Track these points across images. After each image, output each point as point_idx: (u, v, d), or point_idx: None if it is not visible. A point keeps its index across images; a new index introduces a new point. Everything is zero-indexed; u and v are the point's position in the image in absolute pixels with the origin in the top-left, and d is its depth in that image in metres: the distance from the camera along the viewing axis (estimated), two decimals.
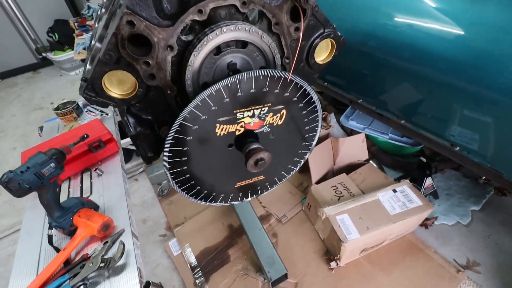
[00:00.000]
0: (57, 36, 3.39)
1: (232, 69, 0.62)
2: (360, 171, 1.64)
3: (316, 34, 0.70)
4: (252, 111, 0.64)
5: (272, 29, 0.63)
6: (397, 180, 1.71)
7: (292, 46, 0.67)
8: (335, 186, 1.54)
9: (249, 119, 0.64)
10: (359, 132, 1.84)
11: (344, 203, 1.40)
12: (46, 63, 4.08)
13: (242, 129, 0.65)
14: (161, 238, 1.68)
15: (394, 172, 1.85)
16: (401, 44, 1.24)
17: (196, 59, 0.57)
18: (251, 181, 0.81)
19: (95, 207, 1.02)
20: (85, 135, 1.04)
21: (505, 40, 0.96)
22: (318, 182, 1.60)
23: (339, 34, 0.72)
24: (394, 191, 1.44)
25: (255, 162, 0.62)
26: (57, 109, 1.44)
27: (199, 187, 0.71)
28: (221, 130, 0.63)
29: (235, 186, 0.78)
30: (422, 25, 1.16)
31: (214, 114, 0.60)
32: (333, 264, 1.38)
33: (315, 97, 0.68)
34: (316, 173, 1.65)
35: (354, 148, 1.73)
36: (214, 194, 0.76)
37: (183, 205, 1.83)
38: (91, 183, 1.15)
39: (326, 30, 0.70)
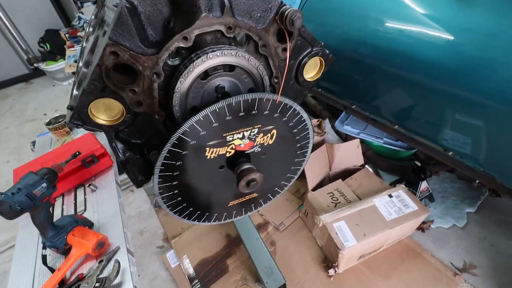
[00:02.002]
0: (48, 46, 3.37)
1: (221, 92, 0.62)
2: (356, 176, 1.65)
3: (304, 53, 0.70)
4: (242, 133, 0.64)
5: (260, 51, 0.63)
6: (393, 184, 1.72)
7: (280, 65, 0.67)
8: (331, 192, 1.55)
9: (239, 141, 0.64)
10: (354, 137, 1.85)
11: (340, 210, 1.40)
12: (38, 73, 4.05)
13: (233, 151, 0.65)
14: (158, 249, 1.66)
15: (389, 175, 1.87)
16: (391, 50, 1.25)
17: (183, 85, 0.57)
18: (244, 199, 0.81)
19: (90, 225, 1.01)
20: (77, 153, 1.03)
21: (494, 45, 0.98)
22: (314, 189, 1.60)
23: (327, 51, 0.73)
24: (390, 196, 1.45)
25: (247, 183, 0.62)
26: (49, 123, 1.42)
27: (191, 209, 0.71)
28: (211, 153, 0.63)
29: (228, 205, 0.78)
30: (412, 32, 1.18)
31: (203, 139, 0.60)
32: (331, 271, 1.38)
33: (304, 115, 0.69)
34: (312, 179, 1.65)
35: (350, 154, 1.74)
36: (207, 214, 0.76)
37: None
38: (85, 199, 1.14)
39: (314, 49, 0.70)
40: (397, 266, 1.41)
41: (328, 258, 1.45)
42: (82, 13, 2.82)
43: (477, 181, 1.68)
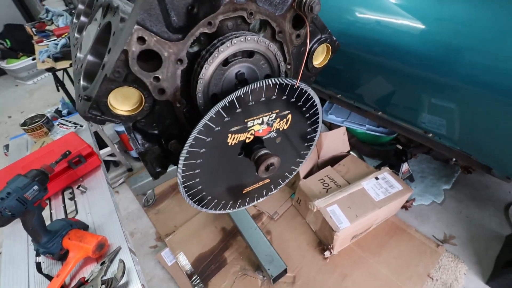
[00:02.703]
0: (9, 43, 3.08)
1: (240, 79, 0.62)
2: (344, 162, 1.71)
3: (314, 40, 0.72)
4: (261, 118, 0.64)
5: (276, 37, 0.64)
6: (377, 168, 1.81)
7: (293, 52, 0.69)
8: (322, 179, 1.60)
9: (258, 127, 0.65)
10: (339, 125, 1.92)
11: (332, 194, 1.46)
12: None
13: (252, 137, 0.66)
14: (152, 249, 1.62)
15: (373, 160, 1.96)
16: (371, 40, 1.30)
17: (207, 71, 0.56)
18: (257, 186, 0.81)
19: (85, 227, 0.96)
20: (67, 152, 0.98)
21: (465, 32, 1.05)
22: (305, 177, 1.64)
23: (334, 38, 0.75)
24: (377, 178, 1.53)
25: (266, 167, 0.63)
26: (24, 124, 1.32)
27: (209, 197, 0.71)
28: (233, 139, 0.63)
29: (243, 192, 0.79)
30: (390, 22, 1.23)
31: (227, 125, 0.60)
32: (327, 253, 1.44)
33: (317, 100, 0.71)
34: (303, 168, 1.70)
35: (336, 141, 1.80)
36: (224, 202, 0.76)
37: (172, 213, 1.79)
38: (75, 201, 1.08)
39: (323, 36, 0.72)
40: (385, 243, 1.50)
41: (322, 242, 1.51)
42: (47, 5, 2.61)
43: (453, 159, 1.83)
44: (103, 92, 0.49)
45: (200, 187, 0.66)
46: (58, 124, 1.45)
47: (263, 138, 0.68)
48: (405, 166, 1.70)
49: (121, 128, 2.07)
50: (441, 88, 1.16)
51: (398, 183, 1.50)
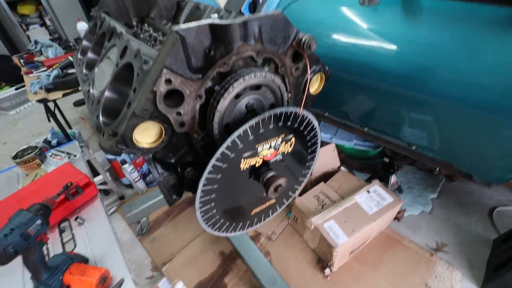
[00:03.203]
0: None
1: (250, 109, 0.68)
2: (336, 178, 1.77)
3: (310, 71, 0.80)
4: (269, 143, 0.69)
5: (279, 71, 0.72)
6: (368, 181, 1.88)
7: (292, 82, 0.76)
8: (316, 195, 1.64)
9: (267, 151, 0.70)
10: (327, 142, 2.00)
11: (328, 210, 1.50)
12: None
13: (261, 161, 0.71)
14: (148, 281, 1.57)
15: (362, 174, 2.04)
16: (350, 61, 1.41)
17: (223, 105, 0.62)
18: (264, 206, 0.85)
19: (85, 260, 0.94)
20: (68, 184, 0.97)
21: (434, 53, 1.17)
22: (300, 195, 1.68)
23: (327, 68, 0.84)
24: (368, 191, 1.59)
25: (275, 188, 0.67)
26: (16, 157, 1.30)
27: (222, 220, 0.74)
28: (245, 164, 0.68)
29: (252, 214, 0.82)
30: (366, 45, 1.35)
31: (240, 151, 0.66)
32: (327, 271, 1.45)
33: (316, 123, 0.78)
34: None
35: (327, 158, 1.87)
36: (234, 224, 0.78)
37: (167, 240, 1.75)
38: (72, 234, 1.06)
39: (317, 67, 0.81)
40: (382, 255, 1.53)
41: (322, 259, 1.52)
42: (34, 36, 2.63)
43: (437, 169, 1.93)
44: (130, 128, 0.53)
45: (215, 211, 0.69)
46: (51, 155, 1.44)
47: (270, 161, 0.73)
48: (393, 178, 1.78)
49: (112, 156, 2.06)
50: (418, 103, 1.26)
51: (388, 195, 1.56)
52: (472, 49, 1.03)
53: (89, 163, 1.81)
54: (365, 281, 1.43)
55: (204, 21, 0.53)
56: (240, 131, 0.61)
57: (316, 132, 0.80)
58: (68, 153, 1.45)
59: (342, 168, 1.94)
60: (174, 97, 0.56)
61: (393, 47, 1.27)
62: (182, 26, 0.51)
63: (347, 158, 2.08)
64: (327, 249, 1.40)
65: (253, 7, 0.87)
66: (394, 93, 1.32)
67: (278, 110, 0.66)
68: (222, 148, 0.60)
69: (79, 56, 0.99)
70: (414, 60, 1.22)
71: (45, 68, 2.06)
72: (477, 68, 1.02)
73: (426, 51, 1.18)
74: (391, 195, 1.56)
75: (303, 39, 0.66)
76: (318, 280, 1.44)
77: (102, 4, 1.13)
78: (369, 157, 2.08)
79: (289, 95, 0.77)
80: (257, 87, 0.69)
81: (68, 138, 1.97)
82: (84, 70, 0.91)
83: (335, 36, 1.45)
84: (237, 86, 0.62)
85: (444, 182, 1.91)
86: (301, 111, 0.69)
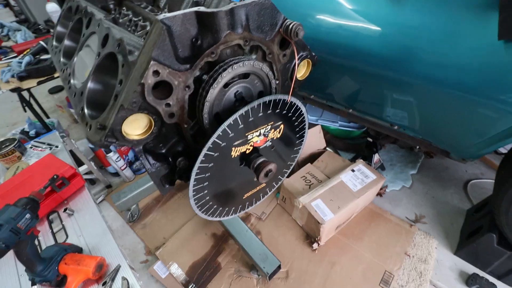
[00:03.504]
0: None
1: (239, 98, 0.68)
2: (322, 158, 1.83)
3: (297, 57, 0.80)
4: (259, 131, 0.70)
5: (266, 58, 0.71)
6: (352, 160, 1.95)
7: (280, 69, 0.76)
8: (304, 176, 1.69)
9: (256, 138, 0.71)
10: (313, 124, 2.04)
11: (315, 190, 1.56)
12: None
13: (251, 148, 0.72)
14: (143, 265, 1.60)
15: (348, 154, 2.11)
16: (335, 43, 1.42)
17: (212, 94, 0.62)
18: (256, 190, 0.88)
19: (78, 250, 0.95)
20: (55, 176, 0.95)
21: (416, 35, 1.19)
22: (288, 176, 1.72)
23: (314, 54, 0.84)
24: (353, 170, 1.66)
25: (265, 173, 0.69)
26: None
27: (215, 206, 0.76)
28: (236, 152, 0.69)
29: (243, 198, 0.84)
30: (350, 27, 1.35)
31: (231, 140, 0.66)
32: (315, 245, 1.53)
33: (303, 109, 0.79)
34: None
35: (313, 139, 1.91)
36: (227, 209, 0.80)
37: (159, 226, 1.78)
38: (63, 225, 1.06)
39: (304, 53, 0.80)
40: (366, 228, 1.63)
41: (310, 235, 1.60)
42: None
43: (417, 147, 2.02)
44: (119, 120, 0.52)
45: (208, 197, 0.71)
46: (31, 147, 1.39)
47: (260, 147, 0.75)
48: (376, 157, 1.86)
49: None
50: (399, 84, 1.30)
51: (372, 173, 1.64)
52: (452, 31, 1.06)
53: (71, 153, 1.77)
54: (350, 252, 1.52)
55: (190, 9, 0.51)
56: (230, 120, 0.62)
57: (304, 117, 0.81)
58: (49, 144, 1.41)
59: (328, 148, 1.99)
60: (162, 88, 0.55)
61: (377, 29, 1.28)
62: (168, 14, 0.49)
63: (333, 139, 2.14)
64: (315, 225, 1.47)
65: None
66: (377, 74, 1.35)
67: (267, 98, 0.66)
68: (213, 138, 0.61)
69: (54, 43, 0.93)
70: (397, 42, 1.23)
71: (15, 54, 1.93)
72: (456, 50, 1.06)
73: (409, 33, 1.20)
74: (374, 173, 1.64)
75: (291, 26, 0.65)
76: (307, 254, 1.53)
77: None
78: (353, 137, 2.14)
79: (277, 82, 0.77)
80: (245, 76, 0.69)
81: (47, 128, 1.90)
82: (62, 59, 0.86)
83: (320, 17, 1.44)
84: (226, 76, 0.61)
85: (423, 158, 2.01)
86: (289, 98, 0.70)
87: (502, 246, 1.30)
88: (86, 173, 1.94)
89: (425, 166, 1.98)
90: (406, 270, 1.44)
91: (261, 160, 0.70)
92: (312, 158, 1.87)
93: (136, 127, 0.57)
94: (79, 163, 1.85)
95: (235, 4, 0.56)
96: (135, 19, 0.98)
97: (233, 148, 0.68)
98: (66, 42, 0.88)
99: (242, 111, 0.63)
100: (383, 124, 1.52)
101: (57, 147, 1.41)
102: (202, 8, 0.51)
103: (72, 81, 0.74)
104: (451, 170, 1.94)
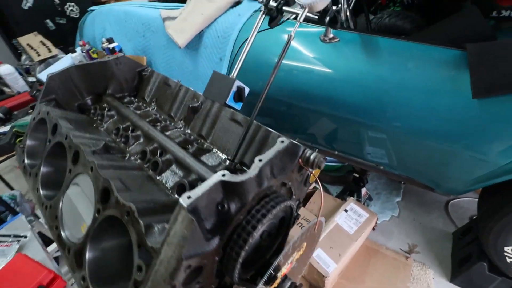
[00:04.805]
0: None
1: (264, 238, 0.62)
2: (313, 199, 1.82)
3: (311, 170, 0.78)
4: (286, 263, 0.66)
5: (286, 186, 0.68)
6: (341, 196, 1.98)
7: (297, 187, 0.74)
8: (299, 223, 1.67)
9: (284, 269, 0.66)
10: None
11: None
12: None
13: (279, 279, 0.66)
14: None
15: (334, 187, 2.14)
16: (315, 95, 1.44)
17: (242, 254, 0.55)
18: None
19: None
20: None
21: (392, 89, 1.24)
22: None
23: (322, 158, 0.83)
24: (346, 211, 1.67)
25: None
26: None
27: None
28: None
29: None
30: (329, 79, 1.38)
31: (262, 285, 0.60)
32: None
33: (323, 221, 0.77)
34: None
35: None
36: None
37: None
38: None
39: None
40: (366, 268, 1.63)
41: (313, 285, 1.56)
42: None
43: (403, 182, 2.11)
44: None
45: None
46: None
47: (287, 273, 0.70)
48: (364, 190, 1.90)
49: None
50: (380, 132, 1.35)
51: (364, 211, 1.66)
52: (426, 87, 1.13)
53: (41, 235, 1.56)
54: None
55: (214, 179, 0.46)
56: (265, 277, 0.57)
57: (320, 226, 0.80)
58: (15, 236, 1.23)
59: (317, 185, 2.00)
60: (192, 271, 0.49)
61: (353, 81, 1.32)
62: (192, 196, 0.43)
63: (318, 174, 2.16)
64: (319, 277, 1.44)
65: (238, 97, 0.82)
66: (359, 122, 1.39)
67: (298, 238, 0.63)
68: None
69: (26, 160, 0.82)
70: (373, 94, 1.27)
71: None
72: (429, 105, 1.13)
73: (383, 87, 1.24)
74: (366, 210, 1.66)
75: (312, 158, 0.64)
76: None
77: (47, 91, 0.92)
78: (337, 169, 2.19)
79: (294, 197, 0.75)
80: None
81: (7, 206, 1.66)
82: (41, 190, 0.74)
83: (303, 71, 1.46)
84: (255, 235, 0.56)
85: (405, 184, 2.10)
86: (317, 225, 0.68)
87: (494, 273, 1.37)
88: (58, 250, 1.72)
89: (408, 191, 2.07)
90: None
91: (288, 284, 0.65)
92: (303, 200, 1.86)
93: None
94: (50, 241, 1.64)
95: (263, 164, 0.53)
96: (123, 125, 0.90)
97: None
98: (44, 169, 0.77)
99: (276, 262, 0.58)
100: (369, 164, 1.56)
101: (25, 237, 1.23)
102: (227, 176, 0.47)
103: (63, 233, 0.63)
104: (432, 193, 2.04)
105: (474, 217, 1.82)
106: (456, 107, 1.07)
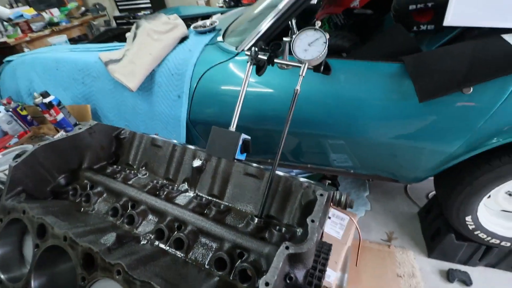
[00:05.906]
0: None
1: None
2: None
3: None
4: None
5: None
6: None
7: None
8: None
9: None
10: None
11: None
12: None
13: None
14: None
15: None
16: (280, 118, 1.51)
17: None
18: None
19: None
20: None
21: (349, 104, 1.36)
22: None
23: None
24: (329, 217, 1.76)
25: None
26: None
27: None
28: None
29: None
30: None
31: None
32: None
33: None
34: None
35: None
36: None
37: None
38: None
39: None
40: (358, 266, 1.73)
41: None
42: None
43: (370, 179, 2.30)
44: None
45: None
46: None
47: None
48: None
49: None
50: (348, 143, 1.48)
51: (344, 214, 1.77)
52: (378, 97, 1.28)
53: None
54: None
55: (281, 256, 0.44)
56: None
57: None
58: None
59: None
60: None
61: (313, 100, 1.41)
62: (269, 282, 0.41)
63: None
64: None
65: (244, 149, 0.81)
66: (322, 136, 1.50)
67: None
68: None
69: (1, 275, 0.64)
70: (332, 109, 1.39)
71: None
72: (384, 112, 1.29)
73: (341, 103, 1.36)
74: (345, 212, 1.77)
75: (342, 200, 0.67)
76: None
77: (13, 184, 0.75)
78: (308, 177, 2.29)
79: None
80: None
81: None
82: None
83: (267, 96, 1.51)
84: None
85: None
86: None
87: (461, 240, 1.59)
88: None
89: (372, 184, 2.28)
90: None
91: None
92: None
93: None
94: None
95: (314, 222, 0.53)
96: (120, 203, 0.78)
97: None
98: (36, 282, 0.61)
99: None
100: (341, 170, 1.68)
101: None
102: (291, 248, 0.46)
103: None
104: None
105: (429, 194, 2.10)
106: (405, 111, 1.24)
